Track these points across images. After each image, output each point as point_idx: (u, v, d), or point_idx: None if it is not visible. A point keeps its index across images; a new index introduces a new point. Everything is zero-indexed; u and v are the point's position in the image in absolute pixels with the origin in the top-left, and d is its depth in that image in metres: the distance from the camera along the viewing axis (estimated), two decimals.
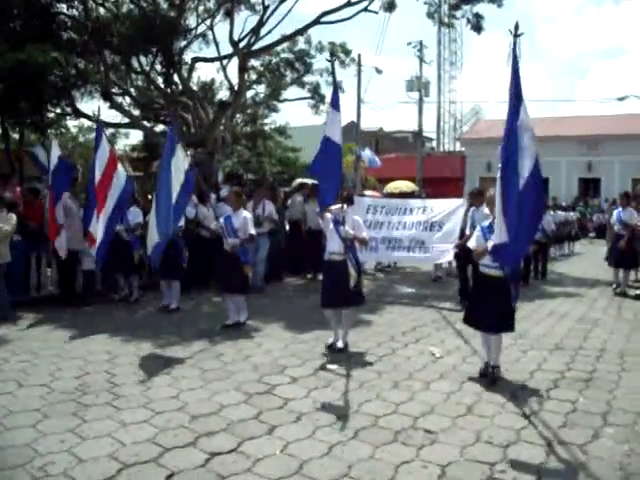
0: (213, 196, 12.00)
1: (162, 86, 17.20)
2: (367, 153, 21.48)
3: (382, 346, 7.37)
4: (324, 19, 16.71)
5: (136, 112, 18.73)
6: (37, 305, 9.42)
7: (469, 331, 7.08)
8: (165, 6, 15.91)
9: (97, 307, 9.56)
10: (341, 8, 16.43)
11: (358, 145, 22.82)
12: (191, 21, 17.34)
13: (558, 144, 37.24)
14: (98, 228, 8.73)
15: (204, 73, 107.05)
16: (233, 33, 16.65)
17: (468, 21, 17.62)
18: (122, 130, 25.08)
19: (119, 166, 9.09)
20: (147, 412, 5.03)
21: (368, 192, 19.35)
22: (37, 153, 13.16)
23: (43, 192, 10.32)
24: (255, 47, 16.97)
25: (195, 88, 19.53)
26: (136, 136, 30.76)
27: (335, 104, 7.22)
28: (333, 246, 7.02)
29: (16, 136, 17.08)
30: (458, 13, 18.21)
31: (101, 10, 15.60)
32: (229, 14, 16.77)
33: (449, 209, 11.02)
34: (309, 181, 14.12)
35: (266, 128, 28.64)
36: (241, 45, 16.70)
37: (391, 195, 20.20)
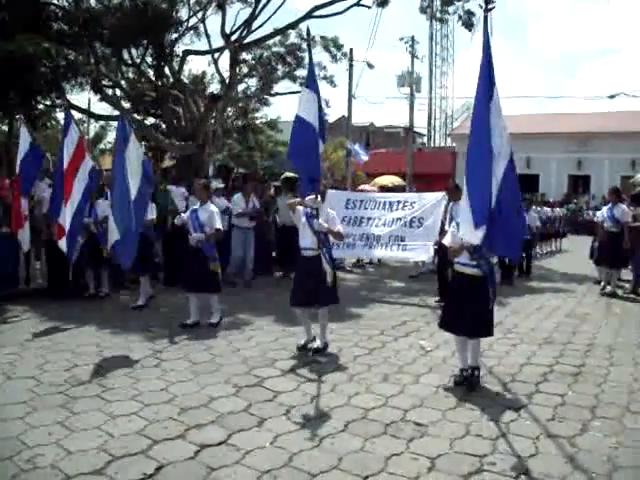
0: None
1: (153, 79, 17.11)
2: (355, 147, 21.44)
3: (372, 339, 7.38)
4: (316, 13, 16.67)
5: (126, 104, 18.62)
6: (26, 298, 9.35)
7: None
8: None
9: (84, 300, 9.49)
10: (333, 2, 16.40)
11: (349, 140, 22.77)
12: (183, 13, 17.21)
13: (548, 141, 37.47)
14: (66, 218, 8.32)
15: (195, 66, 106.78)
16: (225, 26, 16.59)
17: (460, 17, 17.64)
18: (113, 123, 24.86)
19: (87, 156, 8.61)
20: (136, 404, 5.01)
21: (366, 187, 19.24)
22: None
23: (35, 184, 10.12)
24: (247, 40, 16.91)
25: (186, 81, 19.47)
26: None
27: (310, 85, 6.73)
28: (306, 241, 6.68)
29: (5, 128, 16.94)
30: (450, 9, 18.23)
31: (92, 1, 15.47)
32: (221, 7, 16.69)
33: (430, 203, 10.75)
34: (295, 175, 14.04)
35: (257, 122, 28.55)
36: (233, 38, 16.63)
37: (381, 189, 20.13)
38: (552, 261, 17.70)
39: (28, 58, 11.33)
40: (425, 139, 48.22)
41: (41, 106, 16.35)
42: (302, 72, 19.66)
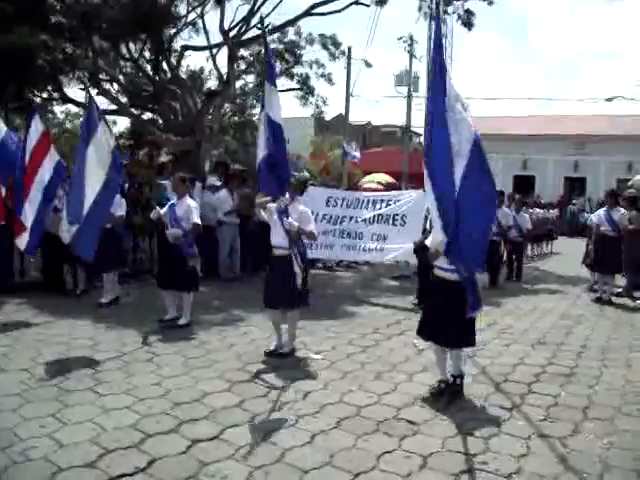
0: (199, 185, 11.93)
1: (151, 74, 17.07)
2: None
3: (366, 338, 7.39)
4: (315, 10, 16.65)
5: (124, 99, 18.57)
6: (20, 291, 9.32)
7: None
8: None
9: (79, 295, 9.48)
10: (332, 0, 16.38)
11: (346, 139, 22.75)
12: (181, 9, 17.18)
13: (545, 143, 37.52)
14: (27, 215, 7.91)
15: (193, 62, 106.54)
16: (224, 22, 16.56)
17: (459, 17, 17.65)
18: (109, 117, 24.79)
19: (52, 150, 8.09)
20: (129, 398, 5.01)
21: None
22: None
23: None
24: (245, 37, 16.89)
25: (184, 76, 19.39)
26: (123, 123, 30.52)
27: (270, 78, 6.40)
28: (277, 239, 6.30)
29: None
30: (449, 9, 18.23)
31: None
32: (220, 2, 16.65)
33: (414, 201, 10.48)
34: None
35: (254, 119, 28.49)
36: (231, 34, 16.60)
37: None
38: (546, 263, 17.73)
39: (27, 49, 11.28)
40: (422, 139, 48.15)
41: (37, 99, 16.30)
42: (300, 70, 19.68)
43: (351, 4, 16.86)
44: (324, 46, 19.13)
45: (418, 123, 28.82)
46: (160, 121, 18.64)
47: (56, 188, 8.28)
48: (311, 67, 19.54)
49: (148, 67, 17.20)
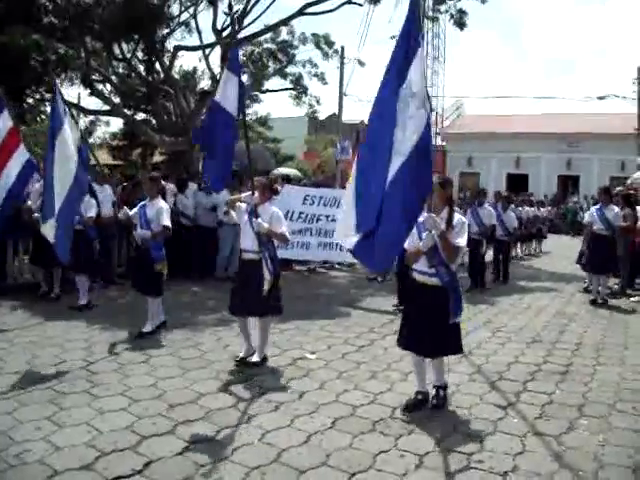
0: (194, 186, 11.93)
1: (144, 74, 17.06)
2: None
3: (361, 337, 7.40)
4: (308, 10, 16.67)
5: (117, 100, 18.55)
6: (15, 293, 9.29)
7: None
8: None
9: (73, 296, 9.43)
10: None
11: (340, 137, 22.75)
12: (174, 9, 17.20)
13: (538, 141, 37.60)
14: None
15: (186, 62, 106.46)
16: (216, 22, 16.56)
17: (451, 16, 17.70)
18: (103, 118, 24.75)
19: (21, 146, 7.69)
20: (125, 400, 5.00)
21: None
22: None
23: None
24: (238, 37, 16.88)
25: (177, 77, 19.39)
26: (116, 124, 30.45)
27: (233, 66, 6.01)
28: (246, 242, 6.01)
29: None
30: (442, 8, 18.29)
31: None
32: (213, 2, 16.66)
33: None
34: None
35: (247, 119, 28.49)
36: (224, 34, 16.60)
37: None
38: (542, 261, 17.75)
39: (19, 50, 11.25)
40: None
41: (30, 100, 16.27)
42: (293, 69, 19.69)
43: (344, 3, 16.90)
44: (317, 45, 19.15)
45: None
46: (154, 121, 18.65)
47: (24, 186, 7.96)
48: (304, 66, 19.57)
49: (141, 67, 17.21)
